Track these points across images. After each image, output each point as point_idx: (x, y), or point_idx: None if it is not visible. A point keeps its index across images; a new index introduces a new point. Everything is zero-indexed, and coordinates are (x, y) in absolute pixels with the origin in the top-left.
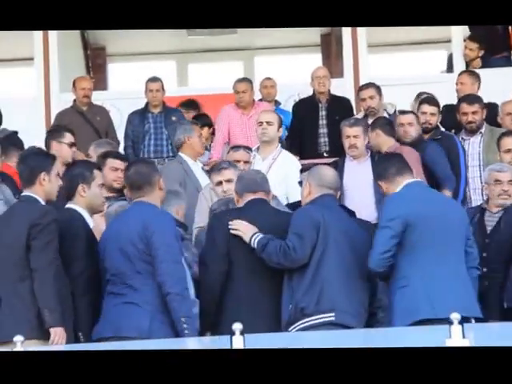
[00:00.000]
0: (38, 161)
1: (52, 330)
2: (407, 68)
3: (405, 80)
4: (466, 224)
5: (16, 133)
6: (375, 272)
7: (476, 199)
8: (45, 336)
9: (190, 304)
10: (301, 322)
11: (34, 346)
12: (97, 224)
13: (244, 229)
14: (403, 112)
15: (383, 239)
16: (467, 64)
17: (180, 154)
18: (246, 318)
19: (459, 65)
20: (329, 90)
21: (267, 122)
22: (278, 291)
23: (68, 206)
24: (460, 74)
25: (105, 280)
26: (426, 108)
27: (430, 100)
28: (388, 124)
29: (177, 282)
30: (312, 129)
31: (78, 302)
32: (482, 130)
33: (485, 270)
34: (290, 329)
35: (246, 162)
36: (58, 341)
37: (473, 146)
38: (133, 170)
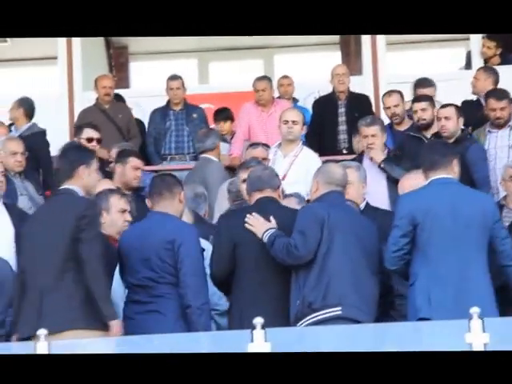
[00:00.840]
0: (78, 155)
1: (113, 323)
2: (426, 65)
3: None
4: (491, 221)
5: (44, 132)
6: (392, 271)
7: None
8: (90, 326)
9: (209, 317)
10: (309, 317)
11: (79, 336)
12: (112, 219)
13: (258, 225)
14: (443, 105)
15: (394, 239)
16: (485, 61)
17: (210, 156)
18: (246, 313)
19: (477, 62)
20: (348, 88)
21: (293, 121)
22: (281, 288)
23: None
24: (477, 70)
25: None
26: (417, 105)
27: (421, 97)
28: None
29: (198, 295)
30: (331, 126)
31: None
32: (511, 123)
33: None
34: (298, 324)
35: (264, 159)
36: (117, 333)
37: (501, 139)
38: (158, 179)
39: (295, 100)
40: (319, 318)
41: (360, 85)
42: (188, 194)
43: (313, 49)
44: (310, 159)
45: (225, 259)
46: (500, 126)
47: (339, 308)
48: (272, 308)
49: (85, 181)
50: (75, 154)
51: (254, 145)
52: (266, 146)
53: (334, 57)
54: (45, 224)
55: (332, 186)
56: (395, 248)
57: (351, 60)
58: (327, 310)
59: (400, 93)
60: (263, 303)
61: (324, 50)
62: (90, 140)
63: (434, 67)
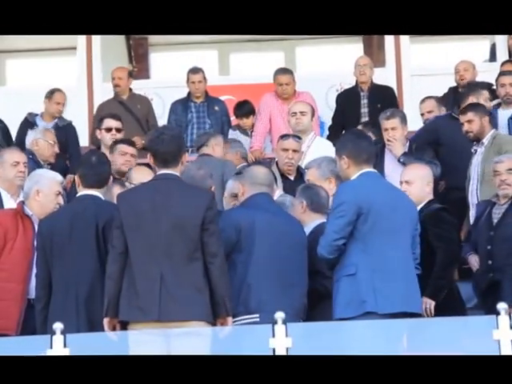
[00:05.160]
0: (183, 143)
1: (229, 319)
2: (450, 57)
3: (447, 69)
4: (414, 222)
5: (70, 124)
6: (325, 259)
7: None
8: (210, 319)
9: None
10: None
11: (202, 327)
12: None
13: None
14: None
15: (337, 226)
16: (511, 54)
17: None
18: None
19: (502, 54)
20: (371, 80)
21: (301, 112)
22: None
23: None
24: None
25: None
26: (506, 79)
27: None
28: None
29: None
30: (354, 118)
31: None
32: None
33: (490, 262)
34: None
35: (295, 151)
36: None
37: None
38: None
39: None
40: (238, 323)
41: (383, 77)
42: None
43: (335, 41)
44: (323, 148)
45: None
46: None
47: (257, 315)
48: None
49: (181, 168)
50: (181, 142)
51: (284, 136)
52: (297, 137)
53: (357, 49)
54: (167, 208)
55: (257, 187)
56: (338, 236)
57: (374, 52)
58: (246, 316)
59: None
60: None
61: (346, 42)
62: (108, 130)
63: (458, 59)
